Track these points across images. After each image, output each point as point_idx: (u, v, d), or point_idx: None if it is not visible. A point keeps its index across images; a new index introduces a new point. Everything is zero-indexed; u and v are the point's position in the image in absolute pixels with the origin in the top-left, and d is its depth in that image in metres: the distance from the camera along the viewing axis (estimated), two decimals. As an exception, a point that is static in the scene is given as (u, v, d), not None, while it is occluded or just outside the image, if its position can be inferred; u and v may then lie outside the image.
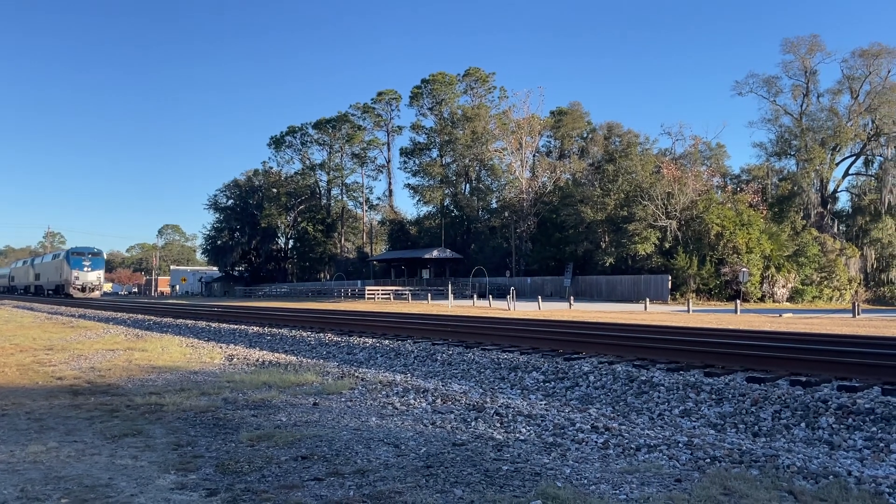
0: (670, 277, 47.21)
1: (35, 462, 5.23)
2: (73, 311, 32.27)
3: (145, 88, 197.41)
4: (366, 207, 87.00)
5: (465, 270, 62.91)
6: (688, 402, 6.82)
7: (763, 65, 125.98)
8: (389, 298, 53.06)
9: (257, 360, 11.61)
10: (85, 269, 63.51)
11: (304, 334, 14.78)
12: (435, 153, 75.76)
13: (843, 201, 63.13)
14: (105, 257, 69.06)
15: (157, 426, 6.50)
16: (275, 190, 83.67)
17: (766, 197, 57.20)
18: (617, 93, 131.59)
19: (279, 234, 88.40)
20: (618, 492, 4.28)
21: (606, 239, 54.62)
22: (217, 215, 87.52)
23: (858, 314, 27.99)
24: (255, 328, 17.12)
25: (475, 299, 43.92)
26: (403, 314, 21.56)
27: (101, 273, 64.81)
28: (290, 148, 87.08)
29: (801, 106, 59.50)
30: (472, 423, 6.39)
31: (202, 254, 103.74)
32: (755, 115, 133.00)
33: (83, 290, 62.44)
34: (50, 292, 69.10)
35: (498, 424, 6.32)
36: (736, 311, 30.65)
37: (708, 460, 4.96)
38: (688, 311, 31.71)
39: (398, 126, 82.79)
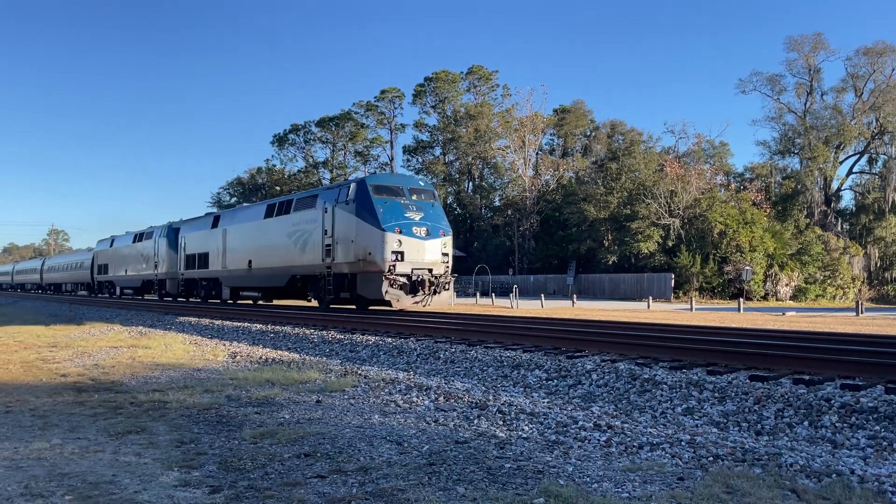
0: (673, 276, 47.15)
1: (39, 459, 5.25)
2: (76, 307, 32.33)
3: (148, 86, 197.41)
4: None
5: (468, 268, 62.90)
6: (690, 400, 6.82)
7: (767, 63, 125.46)
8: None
9: (260, 358, 11.63)
10: (416, 231, 19.10)
11: (307, 332, 14.80)
12: (438, 151, 75.73)
13: (847, 200, 62.98)
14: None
15: (160, 423, 6.52)
16: (278, 188, 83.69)
17: (770, 195, 57.07)
18: (620, 91, 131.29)
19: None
20: (620, 490, 4.29)
21: (609, 237, 54.55)
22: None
23: (862, 313, 27.91)
24: (259, 326, 17.14)
25: (478, 297, 43.91)
26: (406, 311, 21.56)
27: (448, 243, 20.06)
28: (293, 146, 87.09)
29: (805, 104, 59.33)
30: (475, 421, 6.39)
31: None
32: (759, 113, 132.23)
33: (415, 288, 19.14)
34: (254, 297, 27.10)
35: (500, 422, 6.33)
36: (739, 310, 30.60)
37: (711, 458, 4.95)
38: (691, 309, 31.67)
39: (401, 124, 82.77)
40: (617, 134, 64.18)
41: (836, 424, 5.72)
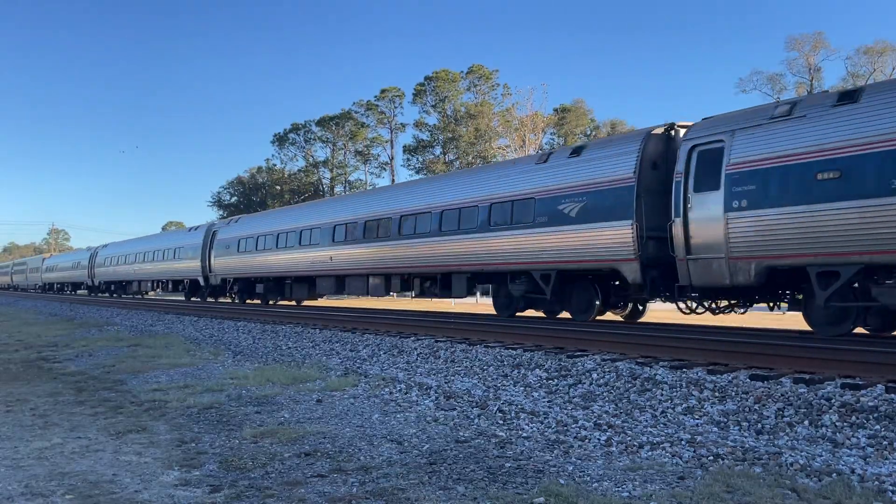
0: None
1: (40, 458, 5.26)
2: (77, 307, 32.34)
3: (148, 85, 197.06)
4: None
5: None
6: (691, 399, 6.81)
7: (767, 62, 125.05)
8: (393, 296, 53.04)
9: (261, 357, 11.63)
10: None
11: (308, 331, 14.81)
12: (438, 150, 75.74)
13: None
14: None
15: (160, 422, 6.53)
16: (278, 187, 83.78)
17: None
18: (620, 89, 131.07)
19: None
20: (620, 489, 4.29)
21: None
22: (220, 212, 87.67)
23: (862, 312, 27.83)
24: (259, 324, 17.14)
25: (478, 297, 43.91)
26: (407, 311, 21.58)
27: None
28: (293, 145, 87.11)
29: (806, 103, 59.19)
30: (475, 420, 6.40)
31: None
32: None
33: None
34: None
35: (501, 421, 6.33)
36: (739, 309, 30.53)
37: (711, 458, 4.95)
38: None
39: (401, 123, 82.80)
40: (617, 132, 64.21)
41: (837, 423, 5.71)
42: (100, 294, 48.68)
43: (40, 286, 65.36)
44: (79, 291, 57.38)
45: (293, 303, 27.26)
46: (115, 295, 45.85)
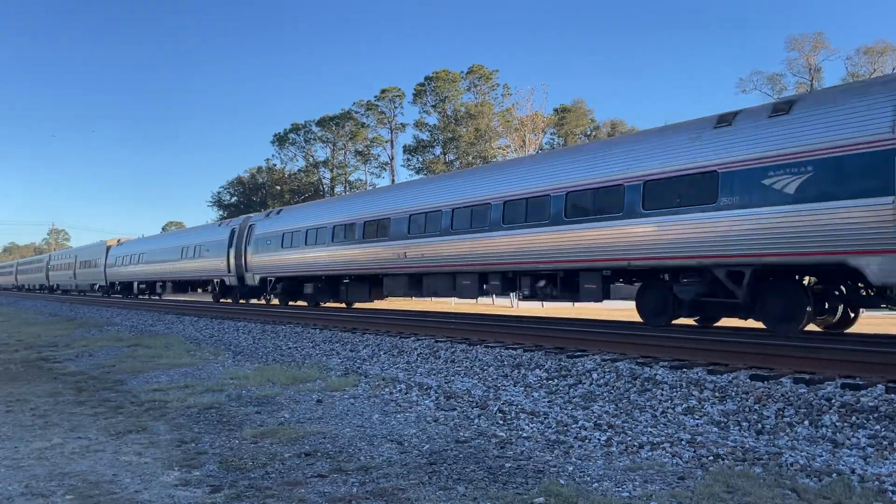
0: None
1: (40, 458, 5.26)
2: (77, 307, 32.36)
3: (148, 85, 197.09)
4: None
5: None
6: (691, 399, 6.81)
7: (767, 62, 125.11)
8: (393, 296, 52.80)
9: (261, 357, 11.63)
10: None
11: (308, 331, 14.81)
12: (438, 150, 75.76)
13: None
14: None
15: (160, 422, 6.53)
16: (278, 187, 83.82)
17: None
18: (620, 90, 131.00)
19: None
20: (620, 489, 4.29)
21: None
22: (221, 212, 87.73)
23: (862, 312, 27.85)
24: (259, 325, 17.14)
25: (477, 297, 43.72)
26: (407, 311, 21.59)
27: None
28: (293, 145, 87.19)
29: (806, 103, 59.19)
30: (476, 421, 6.40)
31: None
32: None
33: None
34: None
35: (501, 422, 6.33)
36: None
37: (711, 458, 4.95)
38: (691, 308, 31.63)
39: (401, 123, 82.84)
40: (617, 133, 64.23)
41: (837, 424, 5.71)
42: (256, 301, 29.61)
43: (103, 286, 46.31)
44: (161, 294, 38.41)
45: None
46: (315, 304, 24.87)
